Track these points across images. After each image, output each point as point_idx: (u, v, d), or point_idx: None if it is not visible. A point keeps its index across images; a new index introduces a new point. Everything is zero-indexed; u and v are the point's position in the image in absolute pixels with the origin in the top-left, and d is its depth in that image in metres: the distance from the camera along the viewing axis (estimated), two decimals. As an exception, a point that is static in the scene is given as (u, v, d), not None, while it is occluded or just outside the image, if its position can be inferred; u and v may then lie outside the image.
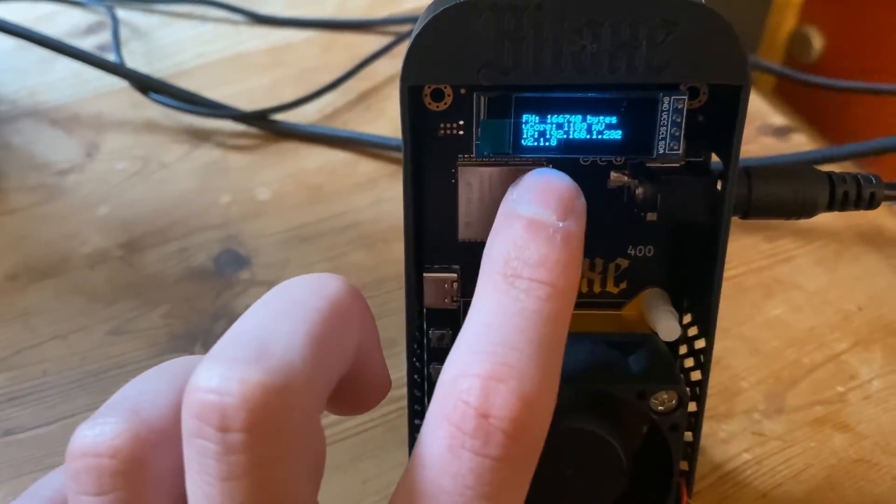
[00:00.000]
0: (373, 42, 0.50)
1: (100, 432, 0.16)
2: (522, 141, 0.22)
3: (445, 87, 0.23)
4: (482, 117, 0.22)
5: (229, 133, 0.45)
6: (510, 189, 0.21)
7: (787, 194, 0.23)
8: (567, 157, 0.23)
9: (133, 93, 0.45)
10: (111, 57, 0.48)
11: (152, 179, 0.42)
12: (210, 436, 0.15)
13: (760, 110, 0.45)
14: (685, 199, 0.23)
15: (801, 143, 0.44)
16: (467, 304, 0.27)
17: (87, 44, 0.51)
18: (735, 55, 0.21)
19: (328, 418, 0.31)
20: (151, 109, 0.45)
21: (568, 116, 0.22)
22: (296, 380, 0.16)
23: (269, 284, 0.37)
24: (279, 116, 0.44)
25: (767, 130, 0.44)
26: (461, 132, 0.24)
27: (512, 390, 0.16)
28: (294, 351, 0.16)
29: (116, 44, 0.48)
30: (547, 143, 0.22)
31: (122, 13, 0.53)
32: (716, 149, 0.24)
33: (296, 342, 0.16)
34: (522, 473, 0.17)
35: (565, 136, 0.22)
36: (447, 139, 0.24)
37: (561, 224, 0.19)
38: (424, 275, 0.25)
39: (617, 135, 0.22)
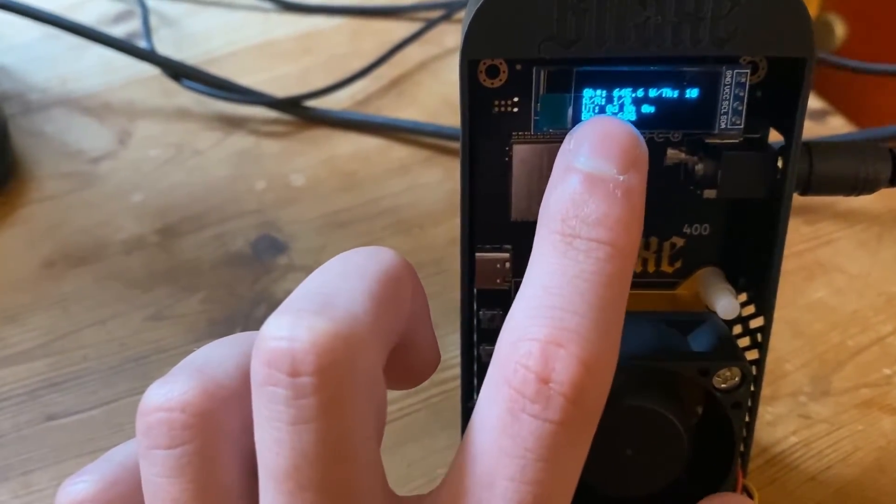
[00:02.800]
0: (402, 28, 0.50)
1: (170, 389, 0.17)
2: (582, 116, 0.22)
3: (500, 63, 0.23)
4: (542, 92, 0.22)
5: (262, 120, 0.44)
6: (567, 138, 0.20)
7: (850, 169, 0.23)
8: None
9: (164, 80, 0.45)
10: (142, 44, 0.48)
11: (186, 166, 0.42)
12: (280, 381, 0.15)
13: (796, 94, 0.45)
14: (746, 175, 0.23)
15: (838, 126, 0.43)
16: (518, 285, 0.27)
17: (116, 32, 0.50)
18: (800, 28, 0.21)
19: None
20: (183, 97, 0.45)
21: (629, 90, 0.22)
22: (361, 329, 0.16)
23: (308, 269, 0.37)
24: (311, 103, 0.44)
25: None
26: (516, 109, 0.23)
27: (572, 354, 0.16)
28: (357, 304, 0.17)
29: (147, 31, 0.48)
30: (606, 118, 0.22)
31: (150, 1, 0.52)
32: (775, 124, 0.23)
33: (357, 298, 0.17)
34: (582, 437, 0.17)
35: (627, 111, 0.22)
36: (501, 116, 0.24)
37: (622, 178, 0.18)
38: (476, 255, 0.25)
39: (679, 109, 0.22)
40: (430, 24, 0.49)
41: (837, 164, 0.23)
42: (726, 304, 0.23)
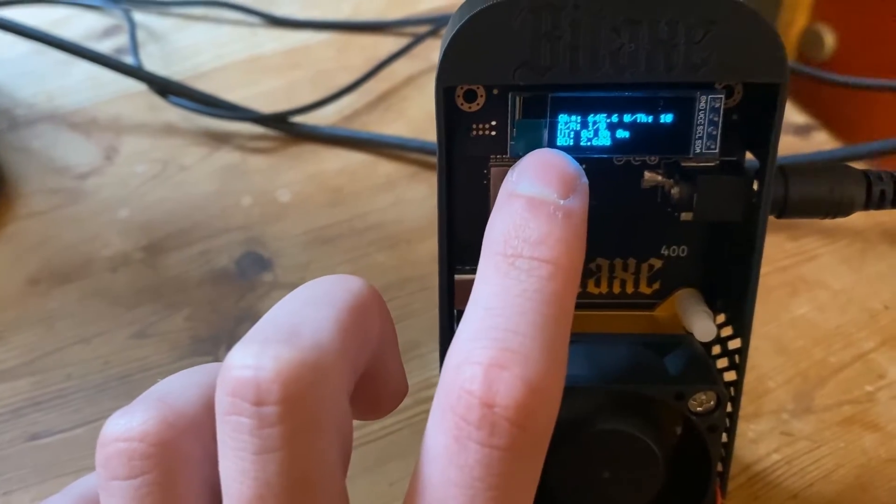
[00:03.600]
0: (389, 44, 0.50)
1: (129, 419, 0.17)
2: (557, 141, 0.22)
3: (478, 88, 0.23)
4: (517, 117, 0.22)
5: (248, 135, 0.44)
6: (510, 170, 0.20)
7: (824, 193, 0.23)
8: (603, 157, 0.23)
9: (151, 96, 0.45)
10: (128, 60, 0.48)
11: (172, 182, 0.42)
12: (245, 410, 0.15)
13: (781, 109, 0.45)
14: (721, 198, 0.23)
15: (822, 141, 0.44)
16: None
17: (103, 47, 0.51)
18: (774, 53, 0.21)
19: (356, 422, 0.31)
20: (169, 112, 0.45)
21: (603, 116, 0.22)
22: (327, 358, 0.16)
23: (292, 286, 0.37)
24: (298, 119, 0.44)
25: (788, 129, 0.44)
26: (494, 132, 0.24)
27: (516, 376, 0.16)
28: (323, 333, 0.17)
29: (134, 46, 0.48)
30: (583, 143, 0.22)
31: (137, 16, 0.53)
32: (751, 147, 0.23)
33: (325, 326, 0.17)
34: (532, 461, 0.17)
35: (601, 136, 0.22)
36: (479, 140, 0.24)
37: (562, 202, 0.19)
38: (455, 277, 0.25)
39: (653, 134, 0.22)
40: (418, 40, 0.49)
41: (812, 188, 0.23)
42: (703, 326, 0.24)
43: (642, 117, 0.22)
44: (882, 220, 0.39)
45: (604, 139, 0.22)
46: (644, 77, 0.21)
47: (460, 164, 0.24)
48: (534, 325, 0.17)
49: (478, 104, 0.24)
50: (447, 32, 0.21)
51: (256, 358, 0.15)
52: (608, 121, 0.22)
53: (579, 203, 0.19)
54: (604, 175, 0.24)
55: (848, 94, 0.53)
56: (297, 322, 0.17)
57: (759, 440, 0.31)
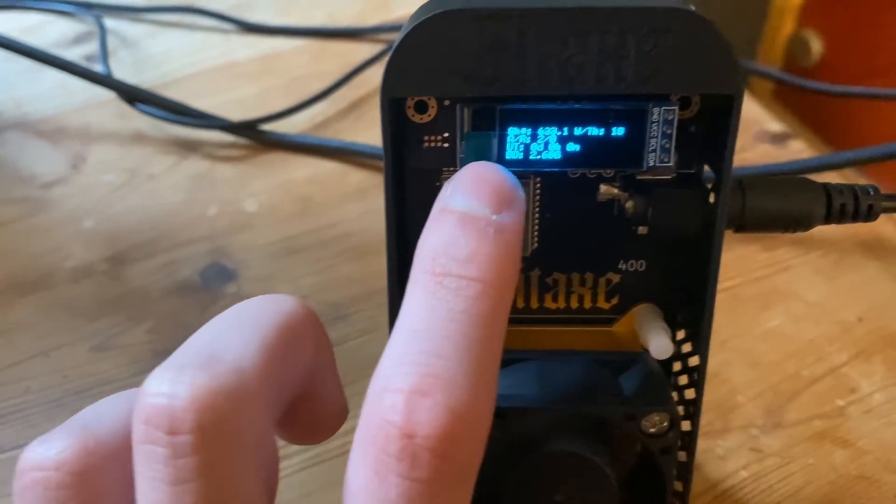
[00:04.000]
0: (364, 50, 0.50)
1: (48, 448, 0.16)
2: (508, 154, 0.22)
3: (429, 99, 0.23)
4: (466, 130, 0.22)
5: (217, 144, 0.44)
6: (445, 184, 0.19)
7: (783, 207, 0.23)
8: (554, 170, 0.23)
9: (120, 104, 0.45)
10: (99, 67, 0.47)
11: (139, 192, 0.42)
12: (159, 440, 0.15)
13: (757, 116, 0.45)
14: (677, 212, 0.22)
15: (798, 149, 0.43)
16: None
17: (75, 54, 0.50)
18: (726, 64, 0.20)
19: (301, 447, 0.30)
20: (139, 120, 0.45)
21: (554, 128, 0.21)
22: (246, 385, 0.16)
23: (257, 298, 0.37)
24: (268, 126, 0.44)
25: (764, 137, 0.44)
26: (446, 144, 0.23)
27: (438, 404, 0.15)
28: (245, 359, 0.16)
29: (104, 54, 0.47)
30: (533, 156, 0.22)
31: (110, 22, 0.52)
32: (709, 160, 0.23)
33: (247, 351, 0.16)
34: (458, 491, 0.16)
35: (552, 149, 0.22)
36: (432, 152, 0.23)
37: (494, 217, 0.18)
38: None
39: (605, 147, 0.21)
40: (392, 47, 0.48)
41: (770, 202, 0.23)
42: (659, 344, 0.23)
43: (594, 130, 0.21)
44: (856, 230, 0.39)
45: (554, 152, 0.22)
46: (594, 89, 0.20)
47: (413, 176, 0.24)
48: (460, 348, 0.16)
49: (429, 115, 0.23)
50: (394, 42, 0.21)
51: (171, 385, 0.15)
52: (559, 134, 0.21)
53: (513, 218, 0.18)
54: (559, 188, 0.24)
55: (836, 100, 0.52)
56: (218, 347, 0.16)
57: (727, 457, 0.31)
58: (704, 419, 0.32)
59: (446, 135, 0.23)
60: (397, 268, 0.23)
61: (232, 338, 0.16)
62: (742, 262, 0.38)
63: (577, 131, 0.21)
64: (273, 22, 0.52)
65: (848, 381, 0.33)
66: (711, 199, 0.22)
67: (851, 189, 0.23)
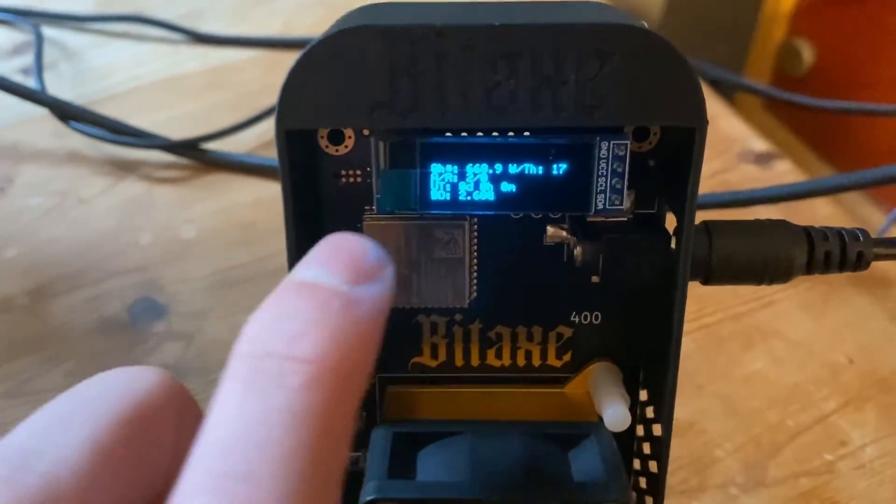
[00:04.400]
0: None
1: None
2: (432, 195, 0.18)
3: (345, 129, 0.20)
4: (383, 166, 0.18)
5: (156, 164, 0.40)
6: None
7: (757, 255, 0.19)
8: (488, 213, 0.20)
9: (55, 121, 0.41)
10: (34, 81, 0.44)
11: (68, 217, 0.38)
12: None
13: (741, 134, 0.42)
14: (631, 261, 0.19)
15: (784, 171, 0.40)
16: (383, 382, 0.23)
17: (12, 65, 0.47)
18: (687, 90, 0.17)
19: None
20: (73, 139, 0.41)
21: (485, 166, 0.18)
22: (64, 495, 0.13)
23: (186, 338, 0.33)
24: (212, 145, 0.40)
25: (748, 157, 0.40)
26: (369, 180, 0.20)
27: None
28: (65, 464, 0.13)
29: (39, 67, 0.44)
30: (463, 197, 0.18)
31: (51, 32, 0.48)
32: (670, 199, 0.20)
33: (70, 454, 0.13)
34: None
35: (483, 189, 0.18)
36: (350, 189, 0.20)
37: (345, 288, 0.14)
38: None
39: (546, 187, 0.18)
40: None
41: (742, 248, 0.19)
42: (614, 414, 0.20)
43: (531, 168, 0.18)
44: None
45: (486, 193, 0.18)
46: (527, 121, 0.17)
47: (330, 217, 0.20)
48: (276, 463, 0.12)
49: (346, 146, 0.20)
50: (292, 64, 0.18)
51: None
52: (490, 172, 0.18)
53: (372, 293, 0.14)
54: (499, 230, 0.20)
55: (829, 112, 0.49)
56: (36, 448, 0.13)
57: (701, 520, 0.28)
58: (679, 476, 0.29)
59: (368, 169, 0.20)
60: None
61: (55, 435, 0.13)
62: (720, 296, 0.34)
63: (512, 169, 0.18)
64: (225, 32, 0.48)
65: (837, 431, 0.30)
66: (674, 244, 0.19)
67: (838, 234, 0.20)
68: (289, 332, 0.13)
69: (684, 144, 0.18)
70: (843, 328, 0.34)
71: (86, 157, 0.41)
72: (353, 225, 0.20)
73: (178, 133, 0.41)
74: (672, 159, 0.19)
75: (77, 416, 0.14)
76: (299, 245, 0.19)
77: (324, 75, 0.17)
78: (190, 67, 0.46)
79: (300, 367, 0.13)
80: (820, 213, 0.37)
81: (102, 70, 0.46)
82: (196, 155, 0.40)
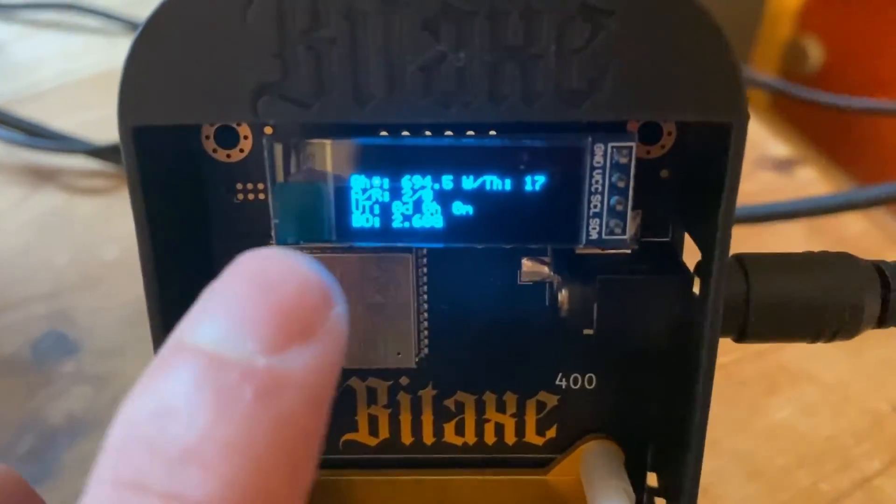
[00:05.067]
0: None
1: None
2: (353, 221, 0.13)
3: (239, 125, 0.14)
4: (278, 178, 0.13)
5: (79, 172, 0.35)
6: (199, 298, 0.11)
7: (812, 303, 0.14)
8: (435, 247, 0.14)
9: (-35, 121, 0.36)
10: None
11: (-28, 233, 0.33)
12: None
13: (757, 137, 0.36)
14: (636, 310, 0.14)
15: (808, 179, 0.35)
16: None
17: (-72, 60, 0.41)
18: (720, 70, 0.12)
19: None
20: (-13, 142, 0.36)
21: (427, 178, 0.13)
22: None
23: (97, 381, 0.28)
24: (145, 150, 0.35)
25: (766, 164, 0.35)
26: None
27: None
28: None
29: (-49, 60, 0.39)
30: (398, 224, 0.13)
31: (-27, 22, 0.43)
32: (690, 224, 0.14)
33: None
34: None
35: (427, 212, 0.13)
36: (250, 208, 0.15)
37: (262, 360, 0.09)
38: None
39: (516, 209, 0.13)
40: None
41: (792, 292, 0.14)
42: (613, 519, 0.14)
43: (494, 182, 0.13)
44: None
45: (431, 218, 0.13)
46: (486, 114, 0.12)
47: (221, 248, 0.15)
48: None
49: (241, 151, 0.14)
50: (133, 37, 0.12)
51: None
52: (436, 187, 0.13)
53: (309, 360, 0.09)
54: (458, 264, 0.15)
55: (845, 114, 0.44)
56: None
57: None
58: (690, 556, 0.23)
59: (274, 182, 0.14)
60: None
61: None
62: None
63: (467, 184, 0.13)
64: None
65: (883, 498, 0.25)
66: (696, 287, 0.14)
67: (919, 271, 0.14)
68: (171, 448, 0.09)
69: (712, 148, 0.13)
70: (884, 368, 0.28)
71: (-1, 164, 0.36)
72: (258, 258, 0.15)
73: (109, 135, 0.35)
74: (692, 169, 0.14)
75: None
76: (163, 291, 0.13)
77: (184, 46, 0.11)
78: (127, 61, 0.41)
79: None
80: (851, 230, 0.32)
81: (28, 65, 0.41)
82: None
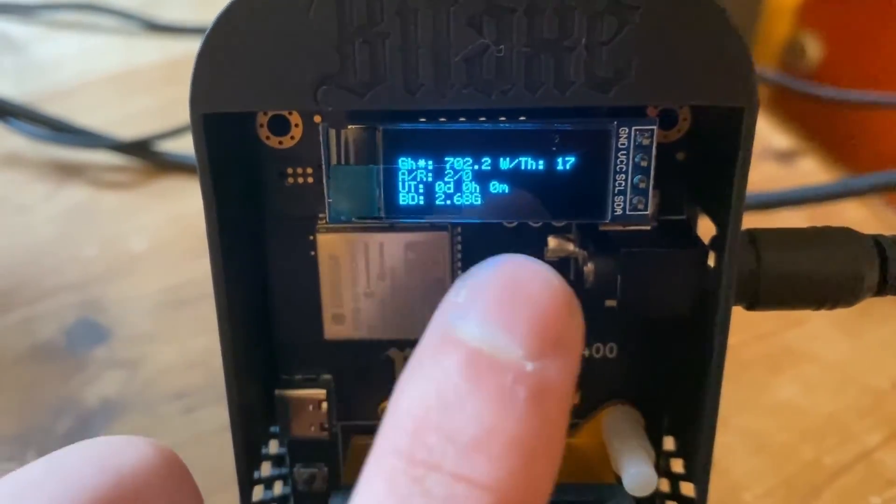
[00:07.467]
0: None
1: None
2: (401, 199, 0.14)
3: (291, 114, 0.15)
4: (334, 161, 0.14)
5: (104, 167, 0.36)
6: (452, 287, 0.12)
7: (817, 273, 0.15)
8: (473, 222, 0.15)
9: (-7, 119, 0.37)
10: (-28, 75, 0.40)
11: (5, 227, 0.34)
12: None
13: (759, 130, 0.37)
14: (657, 282, 0.15)
15: (808, 169, 0.36)
16: (347, 431, 0.19)
17: (-49, 60, 0.42)
18: (733, 59, 0.13)
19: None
20: (13, 140, 0.37)
21: (469, 160, 0.14)
22: None
23: (130, 365, 0.29)
24: (167, 145, 0.36)
25: (768, 155, 0.36)
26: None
27: None
28: None
29: (-23, 59, 0.40)
30: (440, 202, 0.14)
31: (-4, 23, 0.44)
32: (704, 203, 0.16)
33: None
34: None
35: (466, 191, 0.14)
36: (299, 190, 0.16)
37: (529, 366, 0.10)
38: (278, 392, 0.17)
39: (547, 188, 0.14)
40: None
41: (799, 264, 0.15)
42: (636, 475, 0.16)
43: (529, 162, 0.14)
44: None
45: (471, 196, 0.14)
46: (523, 101, 0.13)
47: (274, 226, 0.16)
48: None
49: (292, 137, 0.16)
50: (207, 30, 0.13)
51: None
52: (475, 168, 0.14)
53: (559, 369, 0.11)
54: (488, 241, 0.16)
55: (845, 110, 0.45)
56: None
57: (730, 581, 0.23)
58: (700, 525, 0.24)
59: (321, 166, 0.16)
60: (233, 360, 0.15)
61: None
62: (744, 316, 0.30)
63: (504, 164, 0.14)
64: (186, 21, 0.44)
65: (883, 469, 0.26)
66: (711, 260, 0.15)
67: (915, 244, 0.16)
68: (460, 437, 0.10)
69: (724, 132, 0.14)
70: (885, 349, 0.30)
71: (25, 160, 0.37)
72: (305, 237, 0.16)
73: (131, 132, 0.36)
74: (706, 152, 0.15)
75: (51, 494, 0.12)
76: (228, 271, 0.14)
77: (251, 41, 0.13)
78: (146, 60, 0.42)
79: (474, 494, 0.09)
80: (850, 216, 0.33)
81: (49, 64, 0.42)
82: (148, 156, 0.35)
